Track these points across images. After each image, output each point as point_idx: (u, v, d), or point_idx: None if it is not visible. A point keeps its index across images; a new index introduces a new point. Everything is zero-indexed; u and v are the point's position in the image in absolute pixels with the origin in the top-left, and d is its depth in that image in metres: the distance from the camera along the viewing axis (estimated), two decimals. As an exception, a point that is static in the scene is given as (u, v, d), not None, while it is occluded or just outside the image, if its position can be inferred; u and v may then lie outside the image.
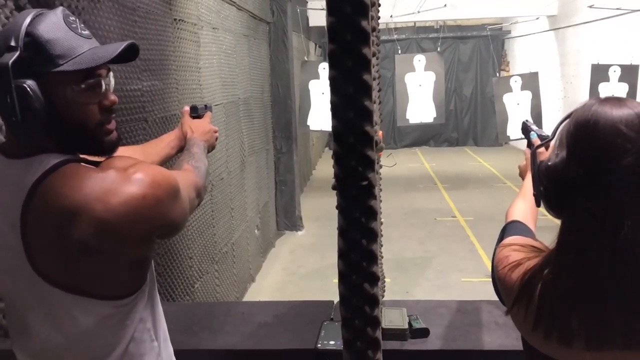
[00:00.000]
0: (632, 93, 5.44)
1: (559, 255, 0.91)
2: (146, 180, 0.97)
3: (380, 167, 1.62)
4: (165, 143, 1.56)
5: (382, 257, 1.79)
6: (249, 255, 4.88)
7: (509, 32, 12.65)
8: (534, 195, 0.99)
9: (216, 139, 1.63)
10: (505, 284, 1.00)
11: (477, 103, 13.23)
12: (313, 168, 10.22)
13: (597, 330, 0.88)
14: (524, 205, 1.20)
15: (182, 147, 1.52)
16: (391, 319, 1.72)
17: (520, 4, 8.93)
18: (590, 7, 6.99)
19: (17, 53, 0.92)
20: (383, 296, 1.85)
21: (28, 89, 0.93)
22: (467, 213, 7.16)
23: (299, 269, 5.47)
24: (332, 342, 1.67)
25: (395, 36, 11.31)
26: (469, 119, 13.38)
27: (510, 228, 1.14)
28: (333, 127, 0.88)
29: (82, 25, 1.03)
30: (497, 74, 12.02)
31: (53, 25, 0.96)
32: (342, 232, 0.91)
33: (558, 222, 0.95)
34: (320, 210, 6.86)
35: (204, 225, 3.54)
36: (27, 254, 0.95)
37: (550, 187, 0.93)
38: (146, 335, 1.10)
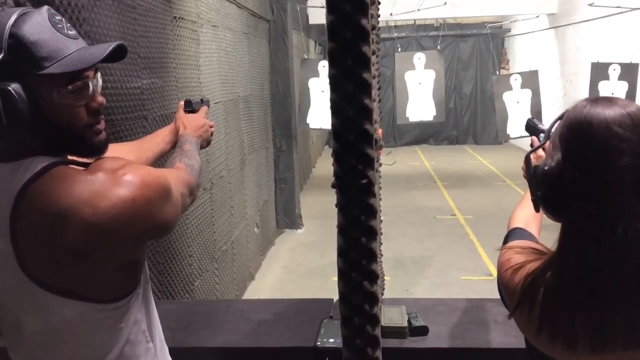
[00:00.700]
0: (631, 91, 5.43)
1: (560, 258, 0.91)
2: (136, 182, 0.96)
3: (380, 165, 1.62)
4: (160, 138, 1.55)
5: (382, 255, 1.79)
6: (248, 253, 4.88)
7: (509, 30, 12.62)
8: (532, 200, 0.98)
9: (212, 133, 1.61)
10: (507, 286, 0.99)
11: (477, 101, 13.22)
12: (313, 166, 10.22)
13: (599, 331, 0.87)
14: (526, 211, 1.19)
15: (177, 142, 1.50)
16: (390, 316, 1.72)
17: (520, 2, 8.90)
18: (591, 5, 6.97)
19: (1, 55, 0.90)
20: (382, 294, 1.85)
21: (13, 92, 0.90)
22: (467, 211, 7.15)
23: (298, 267, 5.47)
24: (331, 340, 1.68)
25: (395, 34, 11.25)
26: (468, 117, 13.36)
27: (512, 235, 1.14)
28: (333, 125, 0.88)
29: (69, 24, 1.00)
30: (497, 72, 11.98)
31: (38, 26, 0.93)
32: (342, 230, 0.91)
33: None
34: (320, 209, 6.85)
35: (204, 223, 3.54)
36: (18, 258, 0.94)
37: (548, 191, 0.93)
38: (141, 336, 1.09)
